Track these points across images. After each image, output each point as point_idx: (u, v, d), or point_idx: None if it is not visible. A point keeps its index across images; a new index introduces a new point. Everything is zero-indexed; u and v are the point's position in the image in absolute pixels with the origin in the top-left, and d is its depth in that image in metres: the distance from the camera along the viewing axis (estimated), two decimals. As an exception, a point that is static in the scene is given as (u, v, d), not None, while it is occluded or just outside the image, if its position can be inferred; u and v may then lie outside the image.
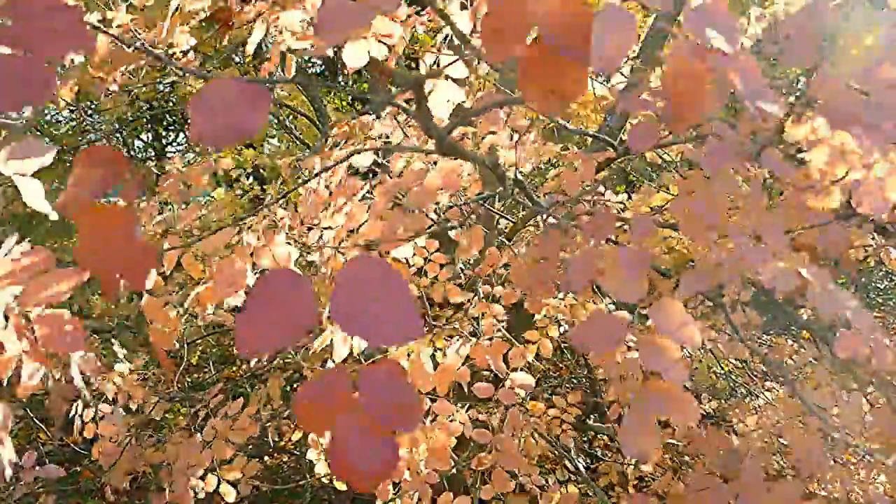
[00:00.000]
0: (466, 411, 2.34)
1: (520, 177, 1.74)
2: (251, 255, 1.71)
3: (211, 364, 5.41)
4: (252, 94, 0.63)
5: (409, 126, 2.27)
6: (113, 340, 4.13)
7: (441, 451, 1.99)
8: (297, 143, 6.82)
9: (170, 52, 2.54)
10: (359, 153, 1.90)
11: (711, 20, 0.77)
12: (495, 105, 1.45)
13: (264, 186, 5.67)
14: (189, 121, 0.62)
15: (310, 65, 7.08)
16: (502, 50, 0.69)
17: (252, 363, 3.94)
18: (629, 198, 3.57)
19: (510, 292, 2.21)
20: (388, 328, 0.55)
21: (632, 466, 3.60)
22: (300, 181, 2.04)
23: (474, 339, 2.25)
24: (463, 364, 2.12)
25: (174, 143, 7.84)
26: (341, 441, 0.55)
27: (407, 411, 0.56)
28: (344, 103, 7.23)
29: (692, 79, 0.71)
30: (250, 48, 2.11)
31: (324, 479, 2.76)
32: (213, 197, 5.12)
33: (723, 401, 4.66)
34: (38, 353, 1.08)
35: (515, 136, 2.14)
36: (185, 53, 2.79)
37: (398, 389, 0.57)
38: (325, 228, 2.07)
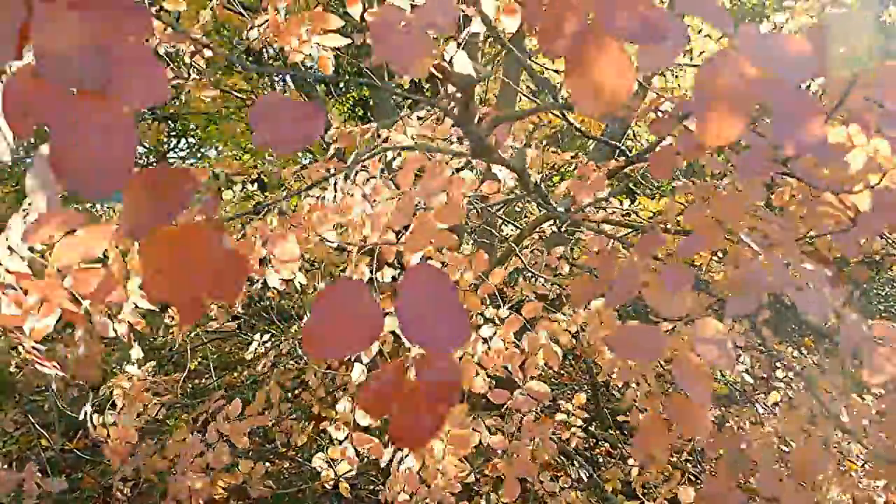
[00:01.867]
0: (475, 418, 2.35)
1: (539, 182, 1.75)
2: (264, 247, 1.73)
3: (212, 370, 5.40)
4: (309, 107, 0.70)
5: (423, 130, 2.28)
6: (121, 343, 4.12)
7: (455, 460, 2.01)
8: (304, 151, 6.83)
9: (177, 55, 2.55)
10: (377, 154, 1.91)
11: (702, 5, 0.76)
12: (533, 112, 1.47)
13: (266, 193, 5.68)
14: (252, 128, 0.65)
15: (310, 69, 7.08)
16: (562, 44, 0.70)
17: (256, 369, 3.94)
18: (632, 203, 3.59)
19: (516, 317, 2.23)
20: (445, 335, 0.61)
21: (636, 473, 3.60)
22: (304, 188, 2.04)
23: (487, 346, 2.26)
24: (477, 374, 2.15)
25: (176, 149, 7.84)
26: (399, 415, 0.63)
27: (453, 388, 0.63)
28: (345, 107, 7.25)
29: (729, 98, 0.70)
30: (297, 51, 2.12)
31: (326, 486, 2.76)
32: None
33: (724, 407, 4.67)
34: (75, 312, 1.10)
35: (521, 142, 2.16)
36: (192, 55, 2.80)
37: (448, 370, 0.63)
38: (341, 229, 2.10)
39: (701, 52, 4.47)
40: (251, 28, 2.52)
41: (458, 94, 1.04)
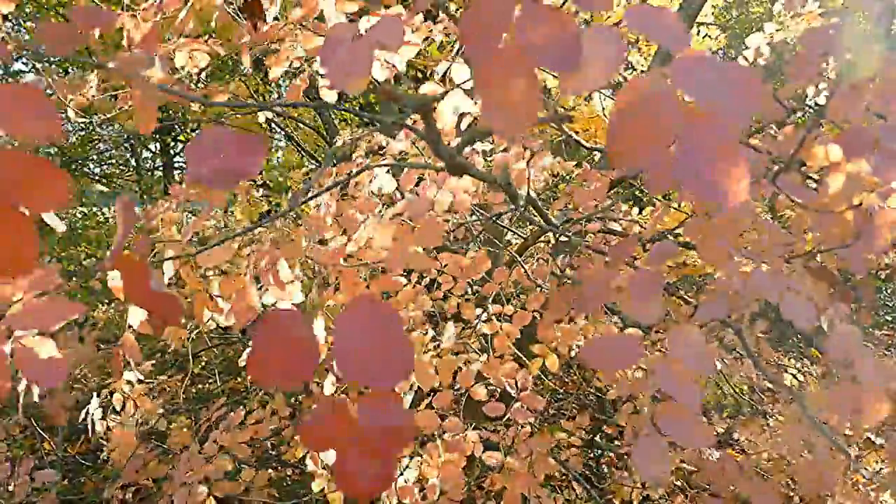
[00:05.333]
0: (474, 429, 2.33)
1: (532, 194, 1.73)
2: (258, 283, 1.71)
3: (216, 374, 5.40)
4: (248, 141, 0.68)
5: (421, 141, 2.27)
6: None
7: (453, 471, 1.99)
8: (304, 155, 6.84)
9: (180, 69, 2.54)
10: (371, 169, 1.90)
11: (657, 22, 0.68)
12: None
13: (270, 198, 5.69)
14: (186, 161, 0.65)
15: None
16: (477, 55, 0.66)
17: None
18: (640, 212, 3.56)
19: (523, 313, 2.21)
20: (385, 371, 0.59)
21: (640, 487, 3.57)
22: (308, 196, 2.03)
23: (484, 355, 2.24)
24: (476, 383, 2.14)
25: (182, 154, 7.88)
26: (343, 460, 0.60)
27: (402, 432, 0.61)
28: (351, 114, 7.26)
29: (644, 125, 0.63)
30: (274, 73, 2.11)
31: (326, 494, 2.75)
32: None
33: (730, 418, 4.63)
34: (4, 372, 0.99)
35: (527, 153, 2.14)
36: (200, 72, 2.80)
37: (393, 413, 0.60)
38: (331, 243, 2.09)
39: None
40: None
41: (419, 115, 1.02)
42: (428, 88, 1.78)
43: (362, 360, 0.59)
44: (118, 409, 2.99)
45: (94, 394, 2.95)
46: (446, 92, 1.59)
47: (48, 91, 2.80)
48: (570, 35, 0.61)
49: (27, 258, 0.54)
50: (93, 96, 2.95)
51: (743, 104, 0.62)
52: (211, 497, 2.58)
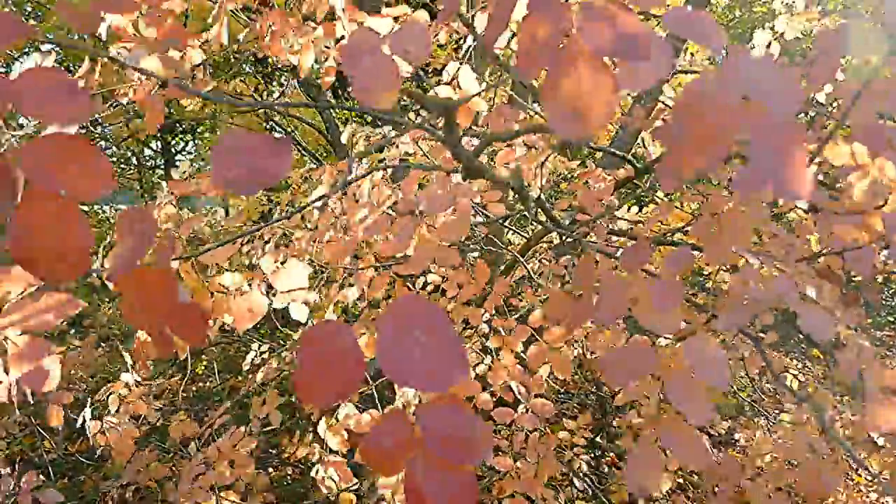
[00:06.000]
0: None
1: (541, 196, 1.72)
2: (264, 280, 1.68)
3: (216, 374, 5.38)
4: (275, 143, 0.65)
5: (425, 141, 2.26)
6: (120, 349, 4.12)
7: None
8: (305, 153, 6.82)
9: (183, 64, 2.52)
10: (378, 170, 1.89)
11: (694, 24, 0.69)
12: (524, 132, 1.42)
13: (272, 197, 5.67)
14: (210, 166, 0.62)
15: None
16: (535, 66, 0.65)
17: (258, 375, 3.91)
18: (640, 211, 3.54)
19: (523, 328, 2.18)
20: (437, 373, 0.55)
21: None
22: (313, 196, 2.02)
23: (488, 357, 2.23)
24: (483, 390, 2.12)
25: (183, 152, 7.87)
26: (414, 481, 0.55)
27: (473, 444, 0.56)
28: (353, 113, 7.23)
29: (707, 129, 0.63)
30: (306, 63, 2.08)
31: (330, 497, 2.73)
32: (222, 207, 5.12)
33: (731, 419, 4.62)
34: None
35: (531, 152, 2.13)
36: (196, 68, 2.78)
37: (460, 423, 0.57)
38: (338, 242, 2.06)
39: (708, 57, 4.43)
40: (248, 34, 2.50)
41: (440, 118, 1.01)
42: (446, 91, 1.77)
43: (412, 363, 0.55)
44: (115, 410, 2.98)
45: (89, 398, 2.94)
46: (472, 96, 1.57)
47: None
48: (640, 28, 0.60)
49: (82, 258, 0.52)
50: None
51: (790, 101, 0.62)
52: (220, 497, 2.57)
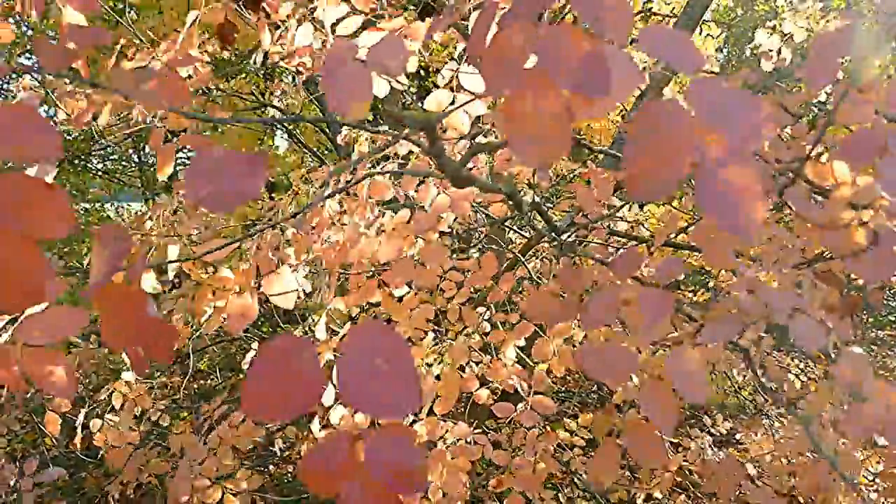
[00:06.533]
0: (476, 429, 2.32)
1: (537, 198, 1.72)
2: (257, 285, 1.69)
3: (217, 371, 5.40)
4: (249, 161, 0.64)
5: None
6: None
7: (458, 476, 1.99)
8: (305, 150, 6.82)
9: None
10: (373, 175, 1.89)
11: (670, 44, 0.66)
12: (504, 145, 1.42)
13: (272, 194, 5.67)
14: (185, 183, 0.62)
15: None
16: (500, 87, 0.64)
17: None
18: (641, 209, 3.54)
19: (525, 325, 2.19)
20: (393, 402, 0.55)
21: (643, 489, 3.56)
22: (314, 196, 2.03)
23: (487, 356, 2.24)
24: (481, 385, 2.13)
25: (185, 150, 7.85)
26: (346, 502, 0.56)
27: (412, 475, 0.56)
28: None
29: (659, 147, 0.61)
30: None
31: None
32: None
33: (732, 418, 4.62)
34: (16, 380, 0.97)
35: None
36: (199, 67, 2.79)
37: (404, 454, 0.57)
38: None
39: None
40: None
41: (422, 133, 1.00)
42: (434, 99, 1.77)
43: (369, 389, 0.55)
44: (120, 406, 2.99)
45: (88, 399, 2.95)
46: (452, 110, 1.58)
47: (48, 91, 2.78)
48: (598, 58, 0.58)
49: (37, 288, 0.53)
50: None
51: (751, 134, 0.60)
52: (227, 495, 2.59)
